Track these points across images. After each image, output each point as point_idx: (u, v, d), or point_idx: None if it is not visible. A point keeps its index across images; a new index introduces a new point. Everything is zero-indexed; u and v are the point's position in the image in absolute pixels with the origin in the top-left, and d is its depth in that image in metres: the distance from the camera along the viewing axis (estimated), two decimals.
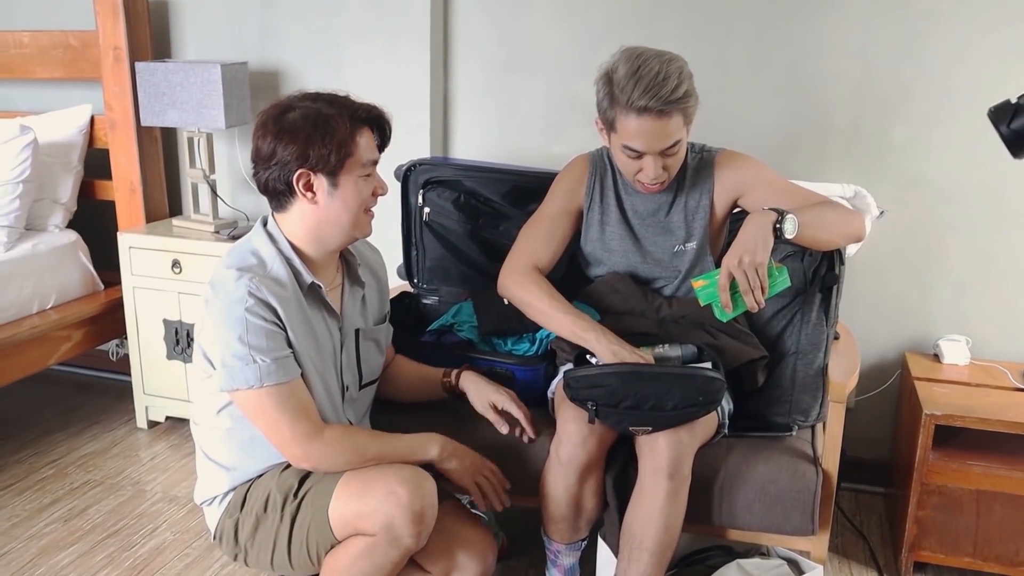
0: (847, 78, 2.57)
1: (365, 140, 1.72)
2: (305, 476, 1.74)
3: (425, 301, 2.49)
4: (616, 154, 1.99)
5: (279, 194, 1.72)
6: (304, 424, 1.69)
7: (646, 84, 1.83)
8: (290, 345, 1.70)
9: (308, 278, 1.74)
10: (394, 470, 1.68)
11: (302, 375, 1.72)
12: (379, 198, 1.79)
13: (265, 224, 1.78)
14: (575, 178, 2.14)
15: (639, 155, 1.92)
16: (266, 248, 1.74)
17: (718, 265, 2.04)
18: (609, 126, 1.95)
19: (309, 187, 1.70)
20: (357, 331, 1.89)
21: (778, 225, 1.79)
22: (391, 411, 2.08)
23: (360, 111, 1.72)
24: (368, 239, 2.02)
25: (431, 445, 1.81)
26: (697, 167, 2.05)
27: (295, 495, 1.72)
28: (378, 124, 1.76)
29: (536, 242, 2.10)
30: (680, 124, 1.89)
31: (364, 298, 1.93)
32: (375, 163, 1.76)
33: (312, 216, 1.73)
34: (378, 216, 1.86)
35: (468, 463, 1.85)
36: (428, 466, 1.80)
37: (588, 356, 1.95)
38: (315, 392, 1.75)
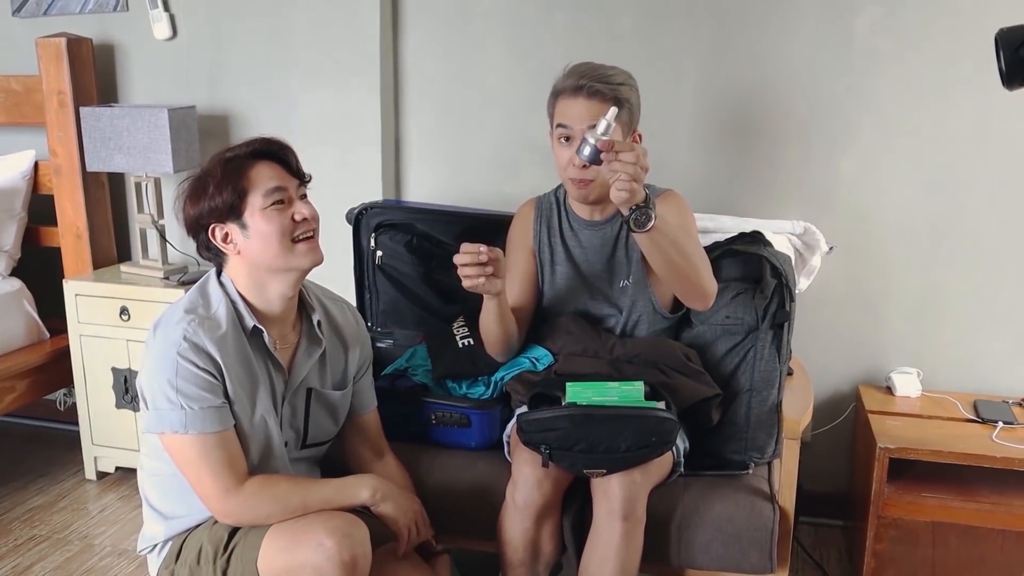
0: (793, 115, 2.61)
1: (257, 173, 1.69)
2: (236, 529, 1.70)
3: (379, 345, 2.46)
4: (555, 151, 2.01)
5: (212, 257, 1.76)
6: (226, 479, 1.65)
7: (582, 69, 1.97)
8: (227, 395, 1.67)
9: (250, 322, 1.72)
10: (322, 520, 1.64)
11: (236, 426, 1.69)
12: (321, 227, 1.77)
13: (219, 274, 1.78)
14: (525, 223, 2.18)
15: (568, 138, 1.96)
16: (215, 290, 1.74)
17: (673, 311, 2.06)
18: (551, 122, 2.02)
19: (226, 238, 1.71)
20: (310, 390, 1.85)
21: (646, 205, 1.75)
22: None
23: (241, 149, 1.72)
24: (340, 301, 1.98)
25: (361, 489, 1.75)
26: None
27: (225, 548, 1.68)
28: (268, 154, 1.73)
29: (512, 288, 2.11)
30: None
31: (324, 357, 1.88)
32: (279, 189, 1.70)
33: (243, 264, 1.73)
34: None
35: (405, 505, 1.78)
36: (363, 512, 1.76)
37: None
38: (252, 442, 1.72)
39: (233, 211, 1.68)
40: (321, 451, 1.95)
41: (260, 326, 1.73)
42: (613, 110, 1.77)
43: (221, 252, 1.73)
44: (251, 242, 1.69)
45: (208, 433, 1.64)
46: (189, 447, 1.64)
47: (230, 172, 1.68)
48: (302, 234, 1.72)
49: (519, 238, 2.18)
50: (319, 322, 1.85)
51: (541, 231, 2.15)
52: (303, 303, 1.85)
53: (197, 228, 1.72)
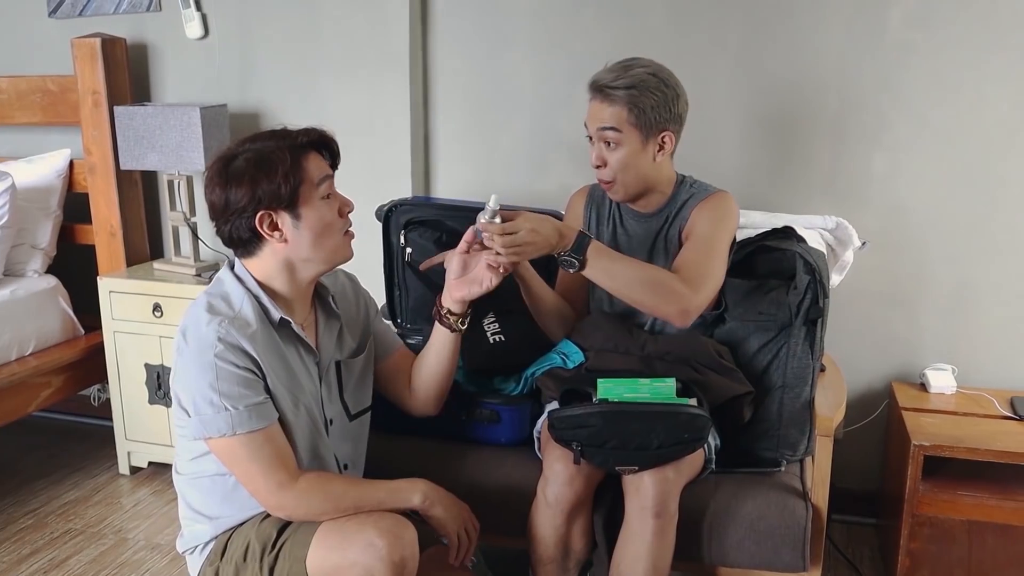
0: (825, 110, 2.59)
1: (313, 163, 1.70)
2: (284, 526, 1.71)
3: (410, 341, 2.44)
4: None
5: (246, 242, 1.71)
6: (278, 473, 1.66)
7: (608, 69, 1.97)
8: (268, 389, 1.67)
9: (276, 314, 1.72)
10: (373, 520, 1.64)
11: (280, 419, 1.69)
12: (353, 222, 1.78)
13: (232, 267, 1.77)
14: (576, 211, 2.20)
15: (591, 139, 2.00)
16: (235, 290, 1.72)
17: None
18: None
19: (274, 227, 1.68)
20: (338, 363, 1.87)
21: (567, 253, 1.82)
22: (382, 449, 2.05)
23: (300, 137, 1.70)
24: (344, 269, 1.96)
25: (413, 493, 1.75)
26: (687, 200, 2.05)
27: (273, 546, 1.69)
28: (321, 145, 1.74)
29: (564, 275, 2.13)
30: (621, 115, 1.93)
31: (341, 329, 1.90)
32: (329, 179, 1.72)
33: (284, 254, 1.71)
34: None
35: (455, 511, 1.78)
36: (413, 511, 1.77)
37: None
38: (297, 432, 1.73)
39: (291, 199, 1.66)
40: (367, 424, 1.96)
41: (287, 317, 1.73)
42: (494, 197, 1.81)
43: (257, 239, 1.70)
44: (302, 233, 1.68)
45: (255, 431, 1.64)
46: (238, 447, 1.64)
47: (295, 160, 1.66)
48: (346, 227, 1.75)
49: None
50: (333, 296, 1.87)
51: (591, 218, 2.16)
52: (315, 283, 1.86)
53: (242, 210, 1.65)
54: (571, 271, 1.84)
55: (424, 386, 1.97)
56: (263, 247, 1.71)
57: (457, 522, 1.78)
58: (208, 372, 1.62)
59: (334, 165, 1.78)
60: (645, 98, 1.93)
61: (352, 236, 1.78)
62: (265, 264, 1.73)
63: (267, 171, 1.64)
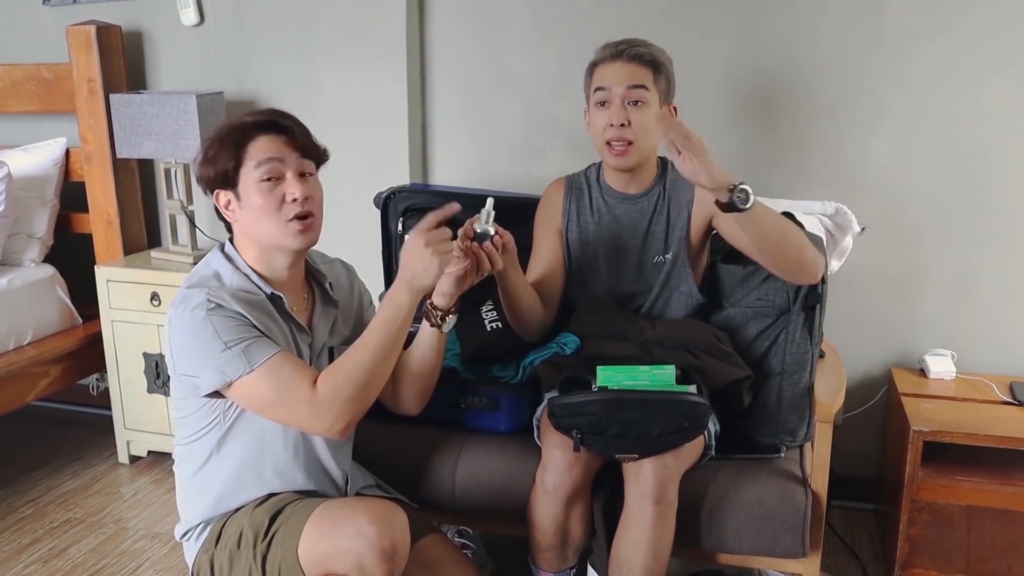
0: (824, 95, 2.57)
1: (258, 146, 1.68)
2: (277, 513, 1.70)
3: (408, 329, 2.46)
4: (592, 119, 2.02)
5: (222, 218, 1.77)
6: (305, 388, 1.62)
7: (621, 41, 2.00)
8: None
9: (267, 290, 1.72)
10: (362, 507, 1.64)
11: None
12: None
13: (223, 248, 1.78)
14: (553, 202, 2.17)
15: (605, 102, 1.97)
16: (224, 268, 1.74)
17: (700, 288, 2.04)
18: (587, 95, 2.04)
19: (228, 205, 1.73)
20: (331, 349, 1.86)
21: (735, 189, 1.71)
22: (380, 436, 2.04)
23: (247, 119, 1.72)
24: (330, 261, 1.97)
25: (399, 296, 1.67)
26: (677, 180, 2.04)
27: (266, 534, 1.68)
28: (273, 127, 1.70)
29: (536, 267, 2.13)
30: (649, 77, 1.97)
31: (336, 317, 1.89)
32: (273, 160, 1.67)
33: (243, 232, 1.74)
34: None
35: (424, 262, 1.65)
36: (402, 500, 1.75)
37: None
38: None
39: (228, 180, 1.69)
40: None
41: (278, 293, 1.73)
42: (491, 200, 1.82)
43: (225, 219, 1.76)
44: (244, 213, 1.71)
45: (270, 357, 1.62)
46: (263, 378, 1.61)
47: (232, 140, 1.69)
48: (294, 214, 1.69)
49: (547, 218, 2.17)
50: (331, 284, 1.87)
51: (570, 209, 2.14)
52: (310, 270, 1.85)
53: (207, 188, 1.74)
54: (742, 206, 1.71)
55: (406, 384, 1.92)
56: (233, 226, 1.76)
57: (437, 260, 1.66)
58: (206, 328, 1.62)
59: (302, 148, 1.72)
60: (664, 67, 2.00)
61: (307, 227, 1.71)
62: (242, 245, 1.76)
63: (216, 151, 1.70)
